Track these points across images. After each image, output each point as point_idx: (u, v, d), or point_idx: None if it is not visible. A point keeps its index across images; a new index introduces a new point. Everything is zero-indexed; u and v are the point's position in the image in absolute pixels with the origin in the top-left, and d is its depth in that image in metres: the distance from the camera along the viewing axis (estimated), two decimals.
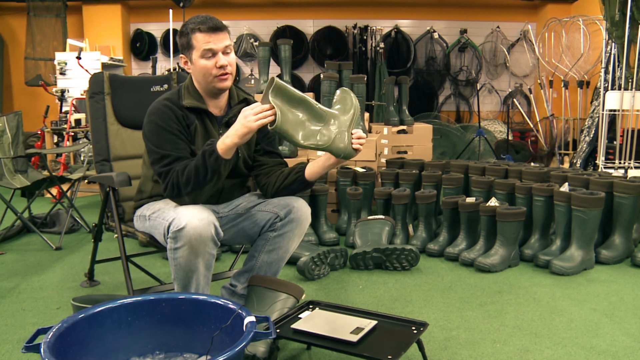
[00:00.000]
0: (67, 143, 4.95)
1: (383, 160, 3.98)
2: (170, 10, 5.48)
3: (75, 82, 5.68)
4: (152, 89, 2.38)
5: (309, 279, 2.62)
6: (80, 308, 1.93)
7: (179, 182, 1.74)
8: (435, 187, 3.31)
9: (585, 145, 5.01)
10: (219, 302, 1.53)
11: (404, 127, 4.24)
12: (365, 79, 4.06)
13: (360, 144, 1.79)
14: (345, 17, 6.91)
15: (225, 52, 1.83)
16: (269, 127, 1.69)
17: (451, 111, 7.10)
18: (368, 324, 1.69)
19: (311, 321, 1.73)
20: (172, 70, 5.39)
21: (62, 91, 5.54)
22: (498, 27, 6.96)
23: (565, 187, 2.87)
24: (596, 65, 5.72)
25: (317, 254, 2.64)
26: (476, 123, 6.43)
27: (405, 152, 4.23)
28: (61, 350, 1.32)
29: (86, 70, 5.10)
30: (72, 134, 4.96)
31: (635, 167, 4.26)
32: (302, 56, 6.87)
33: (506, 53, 6.96)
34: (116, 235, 2.09)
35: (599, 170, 4.24)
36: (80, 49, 5.57)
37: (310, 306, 1.88)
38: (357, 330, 1.64)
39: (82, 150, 4.97)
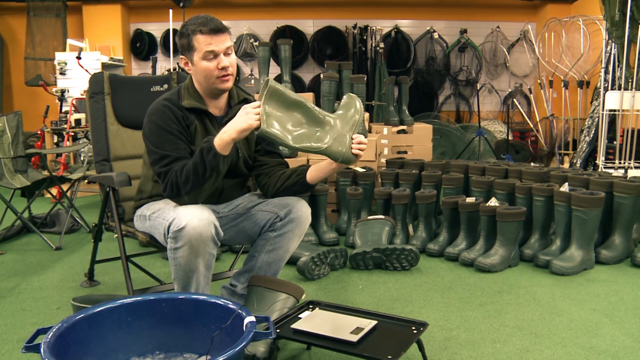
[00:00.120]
0: (67, 143, 4.95)
1: (383, 160, 3.99)
2: (170, 10, 5.48)
3: (75, 82, 5.68)
4: (152, 89, 2.38)
5: (309, 279, 2.62)
6: (80, 308, 1.93)
7: (178, 182, 1.74)
8: (435, 187, 3.31)
9: (585, 145, 5.01)
10: (219, 302, 1.53)
11: (404, 127, 4.24)
12: (365, 79, 4.06)
13: (361, 149, 1.77)
14: (345, 17, 6.91)
15: (226, 54, 1.83)
16: (255, 132, 1.68)
17: (451, 111, 7.10)
18: (368, 324, 1.69)
19: (311, 321, 1.73)
20: (172, 70, 5.39)
21: (62, 91, 5.54)
22: (498, 27, 6.96)
23: (565, 187, 2.87)
24: (596, 65, 5.72)
25: (317, 254, 2.64)
26: (476, 123, 6.44)
27: (405, 152, 4.24)
28: (61, 350, 1.32)
29: (86, 70, 5.10)
30: (72, 134, 4.96)
31: (635, 167, 4.26)
32: (302, 56, 6.87)
33: (506, 53, 6.96)
34: (116, 235, 2.09)
35: (599, 170, 4.24)
36: (80, 49, 5.57)
37: (310, 306, 1.88)
38: (357, 330, 1.64)
39: (82, 150, 4.97)
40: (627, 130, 4.30)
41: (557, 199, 2.82)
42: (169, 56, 6.05)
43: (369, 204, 3.50)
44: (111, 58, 6.21)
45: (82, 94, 5.38)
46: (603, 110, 4.33)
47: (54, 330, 1.33)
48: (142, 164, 2.02)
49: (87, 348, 1.43)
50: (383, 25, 6.92)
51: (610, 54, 4.57)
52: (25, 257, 3.05)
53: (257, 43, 6.46)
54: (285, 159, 2.08)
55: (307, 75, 7.03)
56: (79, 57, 5.19)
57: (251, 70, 6.88)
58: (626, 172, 4.08)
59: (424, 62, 6.95)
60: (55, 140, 5.04)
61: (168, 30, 6.17)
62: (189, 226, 1.65)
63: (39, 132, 5.03)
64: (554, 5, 6.79)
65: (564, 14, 6.49)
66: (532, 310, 2.23)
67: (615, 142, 4.43)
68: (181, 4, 5.42)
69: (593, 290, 2.46)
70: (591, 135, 4.96)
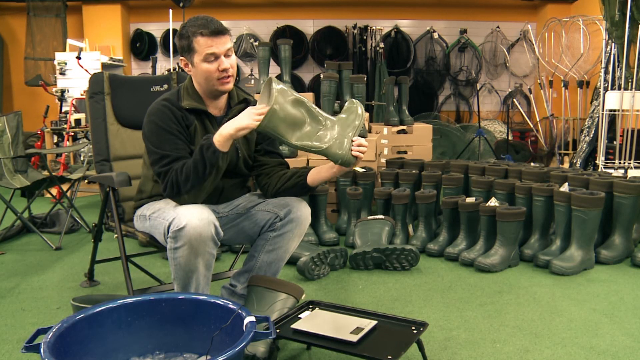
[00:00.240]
0: (67, 143, 4.95)
1: (383, 160, 3.99)
2: (170, 11, 5.48)
3: (75, 82, 5.68)
4: (152, 89, 2.38)
5: (309, 279, 2.62)
6: (80, 308, 1.93)
7: (178, 180, 1.74)
8: (435, 187, 3.31)
9: (585, 145, 5.01)
10: (219, 302, 1.53)
11: (404, 127, 4.24)
12: (365, 79, 4.06)
13: (361, 152, 1.77)
14: (345, 17, 6.91)
15: (227, 55, 1.82)
16: (257, 128, 1.69)
17: (451, 111, 7.10)
18: (368, 324, 1.69)
19: (311, 321, 1.73)
20: (172, 70, 5.39)
21: (62, 91, 5.54)
22: (498, 27, 6.96)
23: (565, 187, 2.87)
24: (596, 65, 5.72)
25: (317, 254, 2.64)
26: (476, 123, 6.44)
27: (405, 152, 4.24)
28: (61, 350, 1.32)
29: (86, 70, 5.10)
30: (72, 134, 4.96)
31: (635, 167, 4.26)
32: (302, 56, 6.87)
33: (506, 53, 6.96)
34: (116, 235, 2.09)
35: (599, 170, 4.24)
36: (80, 49, 5.57)
37: (310, 306, 1.88)
38: (357, 330, 1.64)
39: (82, 150, 4.97)
40: (627, 130, 4.30)
41: (557, 199, 2.82)
42: (169, 56, 6.05)
43: (369, 204, 3.50)
44: (111, 58, 6.21)
45: (82, 94, 5.38)
46: (603, 110, 4.33)
47: (54, 330, 1.33)
48: (142, 164, 2.02)
49: (87, 348, 1.43)
50: (383, 25, 6.92)
51: (610, 54, 4.57)
52: (25, 257, 3.05)
53: (257, 43, 6.46)
54: (286, 159, 2.08)
55: (307, 75, 7.03)
56: (78, 57, 5.19)
57: (251, 70, 6.88)
58: (626, 172, 4.08)
59: (424, 62, 6.95)
60: (55, 140, 5.04)
61: (168, 31, 6.17)
62: (189, 226, 1.65)
63: (39, 132, 5.03)
64: (554, 5, 6.79)
65: (564, 14, 6.49)
66: (532, 310, 2.23)
67: (615, 142, 4.43)
68: (181, 4, 5.42)
69: (593, 290, 2.46)
70: (591, 135, 4.96)
